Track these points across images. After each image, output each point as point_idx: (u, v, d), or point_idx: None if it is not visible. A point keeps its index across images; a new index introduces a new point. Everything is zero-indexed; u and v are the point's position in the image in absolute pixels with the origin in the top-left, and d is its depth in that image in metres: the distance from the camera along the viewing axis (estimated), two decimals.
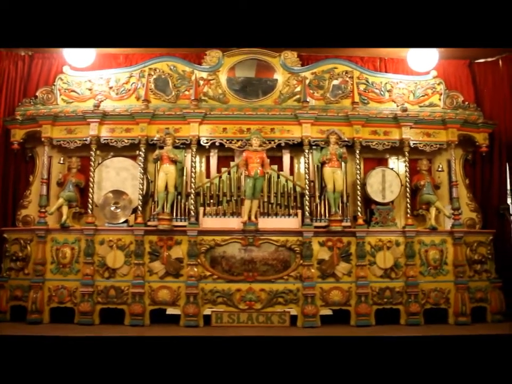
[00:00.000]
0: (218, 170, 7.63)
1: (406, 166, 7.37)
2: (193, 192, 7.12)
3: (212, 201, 7.26)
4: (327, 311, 7.01)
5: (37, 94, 7.75)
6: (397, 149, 7.53)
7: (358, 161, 7.31)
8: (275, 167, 7.52)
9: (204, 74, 7.80)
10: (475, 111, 7.82)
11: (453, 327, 6.75)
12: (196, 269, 6.87)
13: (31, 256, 7.05)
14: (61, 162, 7.55)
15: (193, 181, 7.15)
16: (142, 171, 7.22)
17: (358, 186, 7.26)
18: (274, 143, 7.34)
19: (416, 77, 7.98)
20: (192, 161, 7.22)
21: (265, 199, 7.25)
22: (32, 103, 7.69)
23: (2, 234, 7.31)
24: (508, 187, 8.12)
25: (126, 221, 7.14)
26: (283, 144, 7.40)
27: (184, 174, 7.49)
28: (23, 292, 6.94)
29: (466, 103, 7.87)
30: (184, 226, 7.02)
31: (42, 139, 7.34)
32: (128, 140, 7.31)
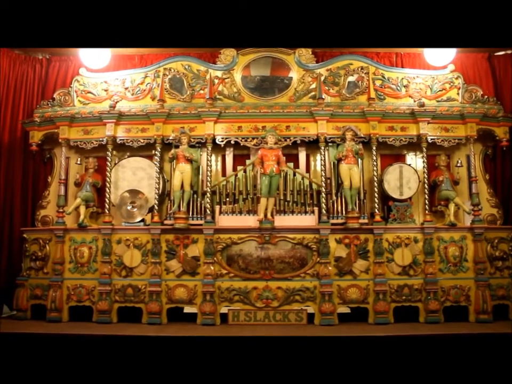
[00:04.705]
0: (234, 169, 7.62)
1: (424, 161, 7.26)
2: (209, 190, 7.12)
3: (228, 199, 7.25)
4: (344, 309, 6.96)
5: (54, 96, 7.89)
6: (415, 144, 7.42)
7: (374, 158, 7.21)
8: (291, 164, 7.48)
9: (219, 73, 7.81)
10: (495, 105, 7.66)
11: (473, 325, 6.61)
12: (212, 267, 6.88)
13: (50, 255, 7.17)
14: (78, 163, 7.61)
15: (209, 179, 7.16)
16: (158, 170, 7.25)
17: (375, 183, 7.16)
18: (290, 140, 7.30)
19: (433, 71, 7.85)
20: (207, 159, 7.23)
21: (281, 197, 7.21)
22: (49, 105, 7.82)
23: (22, 235, 7.44)
24: None
25: (142, 220, 7.18)
26: (299, 142, 7.36)
27: (200, 172, 7.51)
28: (43, 291, 7.06)
29: (486, 96, 7.72)
30: (201, 224, 7.01)
31: (60, 140, 7.43)
32: (144, 139, 7.36)
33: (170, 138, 7.27)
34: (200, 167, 7.51)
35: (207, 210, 7.04)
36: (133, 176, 7.46)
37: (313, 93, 7.67)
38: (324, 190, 7.10)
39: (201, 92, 7.72)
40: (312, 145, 7.48)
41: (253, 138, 7.30)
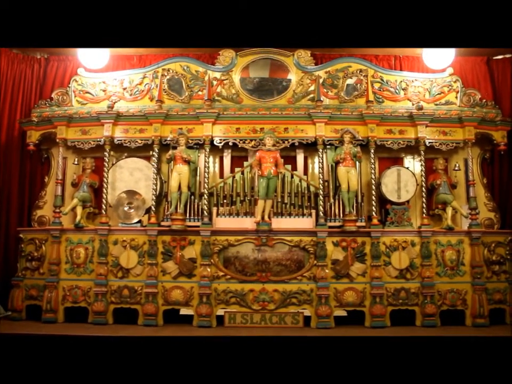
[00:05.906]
0: (232, 170, 7.60)
1: (421, 165, 7.27)
2: (206, 192, 7.10)
3: (225, 201, 7.23)
4: (341, 312, 6.94)
5: (52, 95, 7.85)
6: (413, 148, 7.42)
7: (372, 161, 7.21)
8: (289, 166, 7.48)
9: (217, 75, 7.79)
10: (493, 109, 7.66)
11: (470, 329, 6.61)
12: (209, 269, 6.86)
13: (46, 256, 7.14)
14: (76, 163, 7.59)
15: (207, 181, 7.14)
16: (156, 171, 7.23)
17: (373, 186, 7.16)
18: (288, 142, 7.29)
19: (432, 74, 7.85)
20: (205, 161, 7.22)
21: (279, 199, 7.20)
22: (47, 104, 7.79)
23: (18, 235, 7.41)
24: None
25: (139, 221, 7.16)
26: (297, 144, 7.36)
27: (198, 174, 7.49)
28: (38, 291, 7.03)
29: (484, 100, 7.72)
30: (198, 226, 6.99)
31: (57, 140, 7.42)
32: (142, 140, 7.34)
33: (168, 139, 7.25)
34: (198, 168, 7.49)
35: (204, 212, 7.02)
36: (130, 177, 7.44)
37: (311, 95, 7.66)
38: (321, 192, 7.09)
39: (200, 93, 7.71)
40: (310, 147, 7.47)
41: (251, 140, 7.29)
